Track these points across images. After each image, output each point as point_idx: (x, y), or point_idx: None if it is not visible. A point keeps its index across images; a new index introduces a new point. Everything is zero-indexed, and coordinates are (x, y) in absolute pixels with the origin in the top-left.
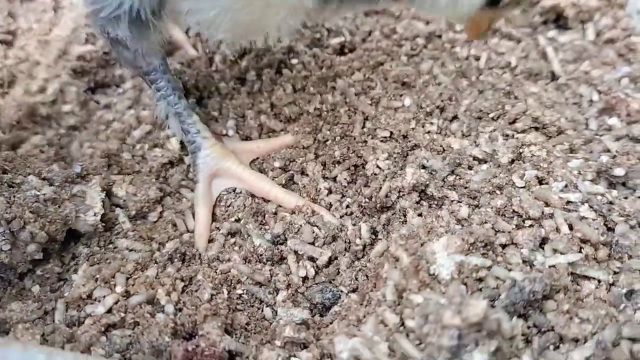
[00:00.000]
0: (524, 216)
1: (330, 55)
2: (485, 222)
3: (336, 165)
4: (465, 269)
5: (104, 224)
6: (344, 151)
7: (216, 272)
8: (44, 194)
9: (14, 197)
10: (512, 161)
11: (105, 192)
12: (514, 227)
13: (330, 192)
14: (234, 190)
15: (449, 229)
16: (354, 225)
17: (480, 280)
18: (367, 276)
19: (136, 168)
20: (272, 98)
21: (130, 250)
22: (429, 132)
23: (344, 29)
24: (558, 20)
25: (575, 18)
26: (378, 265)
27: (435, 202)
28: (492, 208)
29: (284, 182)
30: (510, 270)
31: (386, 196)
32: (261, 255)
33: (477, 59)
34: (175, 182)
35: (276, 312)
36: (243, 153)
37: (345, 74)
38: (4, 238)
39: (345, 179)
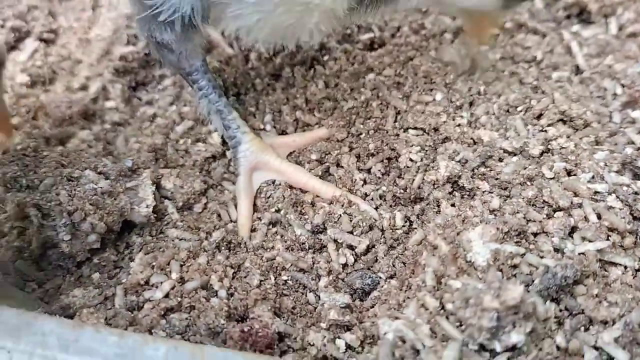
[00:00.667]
0: (553, 206)
1: (361, 51)
2: (517, 212)
3: (370, 158)
4: (501, 256)
5: (155, 215)
6: (377, 144)
7: (262, 260)
8: (101, 187)
9: (75, 190)
10: (541, 153)
11: (154, 184)
12: (545, 216)
13: (365, 183)
14: (273, 183)
15: (482, 219)
16: (389, 214)
17: (515, 266)
18: (404, 263)
19: (180, 162)
20: (306, 93)
21: (181, 240)
22: (459, 125)
23: (374, 25)
24: (581, 14)
25: (598, 12)
26: (416, 253)
27: (468, 193)
28: (523, 198)
29: (320, 173)
30: (542, 257)
31: (419, 187)
32: (303, 243)
33: (504, 53)
34: (218, 175)
35: (319, 297)
36: (280, 147)
37: (376, 69)
38: (65, 229)
39: (380, 170)
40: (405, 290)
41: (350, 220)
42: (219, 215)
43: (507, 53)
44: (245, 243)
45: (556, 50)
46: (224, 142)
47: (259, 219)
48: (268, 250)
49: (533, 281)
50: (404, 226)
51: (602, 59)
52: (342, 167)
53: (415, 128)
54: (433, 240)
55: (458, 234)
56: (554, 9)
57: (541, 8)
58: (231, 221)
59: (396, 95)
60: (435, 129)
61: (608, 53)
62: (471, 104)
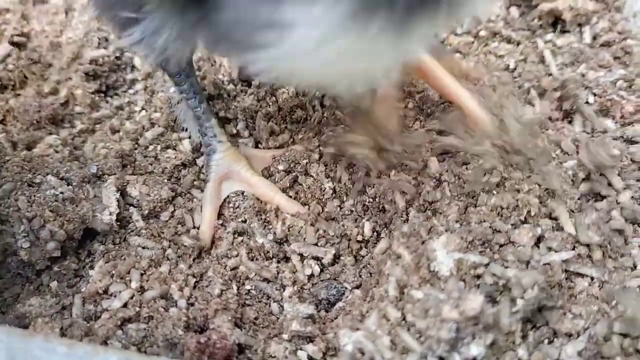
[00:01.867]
0: (521, 215)
1: None
2: (483, 221)
3: (337, 165)
4: (464, 265)
5: (119, 223)
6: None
7: (225, 269)
8: (62, 193)
9: (34, 196)
10: None
11: (119, 191)
12: (511, 226)
13: (334, 192)
14: (242, 193)
15: (448, 228)
16: (357, 224)
17: (478, 277)
18: (370, 273)
19: (149, 169)
20: (278, 101)
21: (144, 248)
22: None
23: None
24: (556, 23)
25: (572, 21)
26: (381, 262)
27: (437, 202)
28: (488, 206)
29: (288, 184)
30: (506, 267)
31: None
32: (267, 252)
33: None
34: (187, 183)
35: (283, 307)
36: (255, 159)
37: None
38: (25, 236)
39: (349, 179)
40: (369, 301)
41: (317, 231)
42: (184, 224)
43: (481, 61)
44: (209, 252)
45: (530, 59)
46: (194, 150)
47: (224, 227)
48: (231, 258)
49: (498, 292)
50: (371, 236)
51: (576, 68)
52: (311, 176)
53: None
54: (396, 249)
55: (423, 243)
56: (529, 17)
57: (516, 17)
58: (194, 228)
59: None
60: None
61: (581, 62)
62: (444, 110)
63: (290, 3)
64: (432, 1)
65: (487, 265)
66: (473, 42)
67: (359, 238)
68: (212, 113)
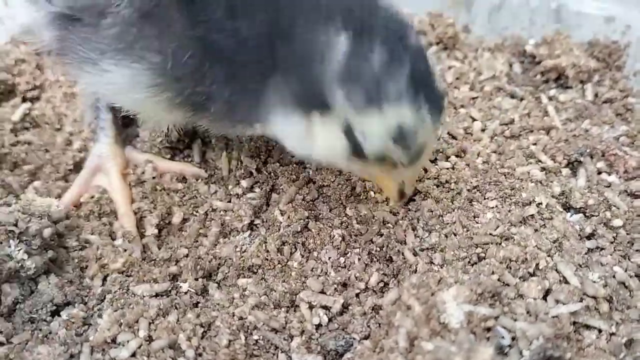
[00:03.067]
0: (529, 268)
1: None
2: (493, 273)
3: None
4: (474, 318)
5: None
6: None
7: (233, 318)
8: None
9: None
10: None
11: None
12: (519, 279)
13: (343, 239)
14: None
15: (457, 279)
16: (365, 272)
17: (488, 329)
18: (379, 324)
19: None
20: None
21: (151, 297)
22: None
23: None
24: (558, 80)
25: (575, 78)
26: (390, 313)
27: (445, 252)
28: (497, 259)
29: (299, 228)
30: (515, 320)
31: (392, 247)
32: (276, 301)
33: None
34: None
35: (291, 357)
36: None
37: None
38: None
39: (358, 228)
40: (379, 352)
41: (322, 277)
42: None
43: (485, 116)
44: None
45: (533, 114)
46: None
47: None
48: (239, 307)
49: (509, 345)
50: (380, 285)
51: (580, 123)
52: (320, 220)
53: None
54: (407, 300)
55: (432, 294)
56: (531, 74)
57: (519, 73)
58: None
59: None
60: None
61: (585, 117)
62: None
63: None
64: None
65: (497, 318)
66: (477, 97)
67: (367, 288)
68: (111, 110)
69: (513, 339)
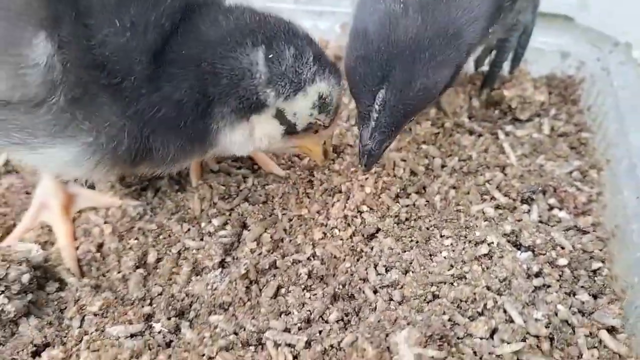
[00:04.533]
0: (478, 308)
1: None
2: (444, 313)
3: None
4: None
5: None
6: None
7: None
8: None
9: None
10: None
11: None
12: (468, 318)
13: (309, 276)
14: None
15: (411, 320)
16: (328, 310)
17: None
18: None
19: None
20: None
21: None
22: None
23: None
24: (515, 113)
25: (522, 109)
26: (347, 355)
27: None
28: (449, 299)
29: (267, 266)
30: None
31: (357, 284)
32: (245, 341)
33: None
34: None
35: None
36: (83, 198)
37: None
38: None
39: (324, 266)
40: None
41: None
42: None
43: (446, 152)
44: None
45: (491, 150)
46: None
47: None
48: (208, 346)
49: None
50: (341, 322)
51: (534, 158)
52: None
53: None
54: (361, 344)
55: (386, 336)
56: (489, 108)
57: (478, 107)
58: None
59: None
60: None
61: (540, 152)
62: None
63: None
64: None
65: (444, 359)
66: (438, 134)
67: (328, 327)
68: None
69: None
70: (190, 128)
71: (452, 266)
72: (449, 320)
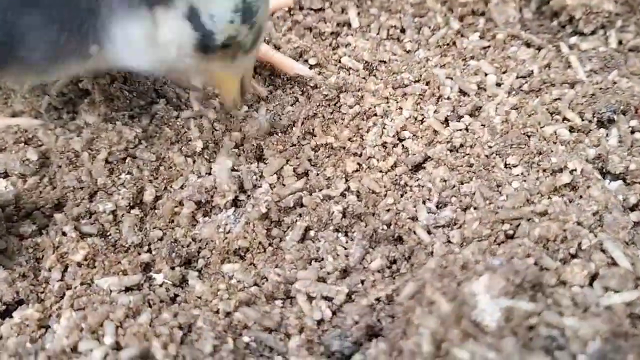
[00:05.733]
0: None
1: None
2: (528, 256)
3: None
4: (515, 315)
5: None
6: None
7: (219, 317)
8: None
9: None
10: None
11: None
12: (560, 262)
13: (344, 215)
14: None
15: (486, 264)
16: (370, 255)
17: (531, 328)
18: (391, 317)
19: None
20: None
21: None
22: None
23: None
24: (576, 25)
25: (587, 21)
26: (408, 309)
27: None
28: (531, 238)
29: (292, 204)
30: (562, 315)
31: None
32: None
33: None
34: None
35: None
36: None
37: None
38: None
39: (361, 202)
40: (396, 357)
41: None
42: None
43: (500, 69)
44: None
45: (553, 65)
46: None
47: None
48: (224, 300)
49: (557, 347)
50: (388, 270)
51: (606, 74)
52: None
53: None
54: (430, 295)
55: (458, 284)
56: (546, 19)
57: (531, 18)
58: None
59: None
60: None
61: (612, 68)
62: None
63: None
64: None
65: (539, 314)
66: (488, 47)
67: (373, 276)
68: None
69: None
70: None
71: (528, 200)
72: (535, 264)
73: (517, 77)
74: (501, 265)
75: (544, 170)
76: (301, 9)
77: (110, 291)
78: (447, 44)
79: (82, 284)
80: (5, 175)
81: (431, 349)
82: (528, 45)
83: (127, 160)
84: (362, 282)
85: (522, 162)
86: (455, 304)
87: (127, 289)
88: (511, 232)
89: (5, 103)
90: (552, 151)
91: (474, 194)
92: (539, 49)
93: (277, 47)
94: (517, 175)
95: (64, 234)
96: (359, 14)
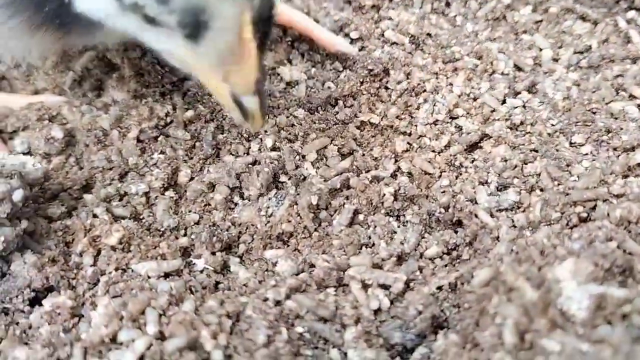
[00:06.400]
0: None
1: None
2: (610, 240)
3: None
4: (608, 303)
5: None
6: None
7: (269, 306)
8: None
9: None
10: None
11: None
12: None
13: (395, 198)
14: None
15: (567, 248)
16: (428, 241)
17: (624, 316)
18: (458, 309)
19: None
20: None
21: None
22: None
23: None
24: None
25: None
26: (482, 297)
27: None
28: (612, 220)
29: (338, 185)
30: None
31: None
32: (320, 279)
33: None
34: None
35: (346, 354)
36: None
37: None
38: None
39: (414, 183)
40: (470, 349)
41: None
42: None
43: (555, 43)
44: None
45: (611, 40)
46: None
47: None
48: (272, 288)
49: None
50: (448, 256)
51: None
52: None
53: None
54: (513, 280)
55: (539, 269)
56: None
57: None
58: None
59: None
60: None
61: None
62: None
63: None
64: None
65: (632, 301)
66: (541, 21)
67: (433, 263)
68: None
69: None
70: None
71: (602, 180)
72: (618, 247)
73: (575, 52)
74: (582, 249)
75: (615, 149)
76: None
77: (149, 277)
78: (497, 18)
79: (117, 269)
80: (29, 154)
81: (515, 340)
82: (583, 19)
83: (159, 139)
84: (421, 269)
85: (589, 141)
86: (542, 290)
87: (167, 275)
88: (585, 214)
89: (27, 80)
90: (621, 129)
91: (540, 174)
92: (595, 23)
93: (316, 21)
94: (586, 154)
95: (94, 216)
96: None
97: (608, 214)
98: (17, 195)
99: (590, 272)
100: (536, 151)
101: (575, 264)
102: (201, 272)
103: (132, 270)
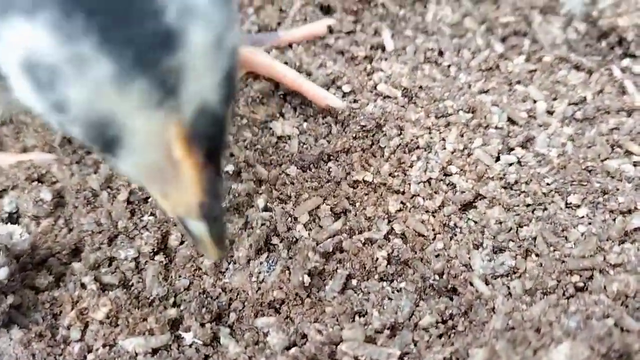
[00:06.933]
0: None
1: None
2: (607, 317)
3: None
4: None
5: None
6: None
7: None
8: None
9: None
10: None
11: None
12: None
13: (389, 262)
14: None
15: (563, 328)
16: (421, 310)
17: None
18: None
19: None
20: None
21: None
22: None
23: None
24: (623, 44)
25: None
26: None
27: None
28: (609, 294)
29: (331, 249)
30: None
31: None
32: (312, 354)
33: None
34: None
35: None
36: None
37: None
38: None
39: (407, 246)
40: None
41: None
42: None
43: (549, 95)
44: None
45: (606, 90)
46: None
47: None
48: None
49: None
50: (442, 327)
51: None
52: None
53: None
54: None
55: (535, 352)
56: (592, 39)
57: (578, 38)
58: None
59: None
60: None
61: None
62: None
63: None
64: None
65: None
66: (535, 71)
67: (424, 334)
68: None
69: None
70: None
71: (598, 247)
72: (615, 325)
73: (569, 104)
74: (579, 328)
75: (611, 212)
76: (331, 32)
77: (136, 354)
78: (490, 68)
79: (104, 345)
80: (17, 217)
81: None
82: (577, 68)
83: (149, 201)
84: (415, 342)
85: (585, 202)
86: None
87: (155, 351)
88: (581, 284)
89: (16, 138)
90: (617, 189)
91: (535, 238)
92: (590, 72)
93: (309, 74)
94: (582, 217)
95: (82, 286)
96: (392, 35)
97: (605, 287)
98: (2, 273)
99: (586, 358)
100: (532, 212)
101: (571, 348)
102: (190, 346)
103: (120, 347)
